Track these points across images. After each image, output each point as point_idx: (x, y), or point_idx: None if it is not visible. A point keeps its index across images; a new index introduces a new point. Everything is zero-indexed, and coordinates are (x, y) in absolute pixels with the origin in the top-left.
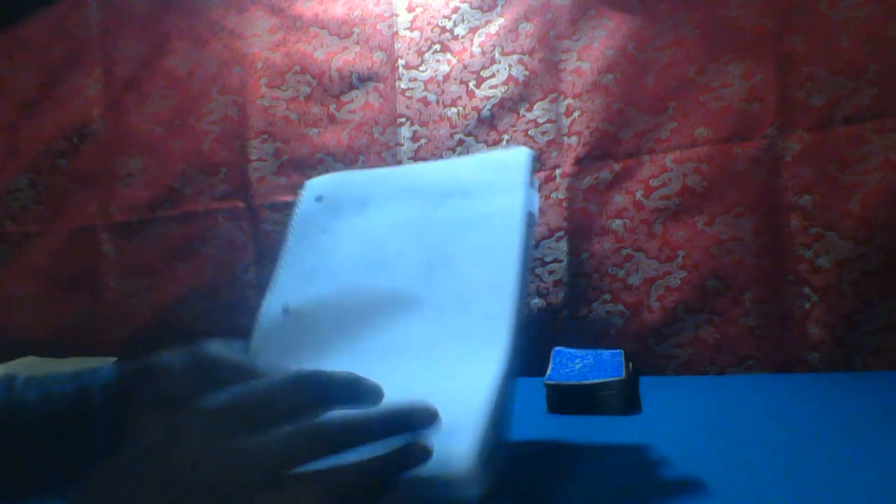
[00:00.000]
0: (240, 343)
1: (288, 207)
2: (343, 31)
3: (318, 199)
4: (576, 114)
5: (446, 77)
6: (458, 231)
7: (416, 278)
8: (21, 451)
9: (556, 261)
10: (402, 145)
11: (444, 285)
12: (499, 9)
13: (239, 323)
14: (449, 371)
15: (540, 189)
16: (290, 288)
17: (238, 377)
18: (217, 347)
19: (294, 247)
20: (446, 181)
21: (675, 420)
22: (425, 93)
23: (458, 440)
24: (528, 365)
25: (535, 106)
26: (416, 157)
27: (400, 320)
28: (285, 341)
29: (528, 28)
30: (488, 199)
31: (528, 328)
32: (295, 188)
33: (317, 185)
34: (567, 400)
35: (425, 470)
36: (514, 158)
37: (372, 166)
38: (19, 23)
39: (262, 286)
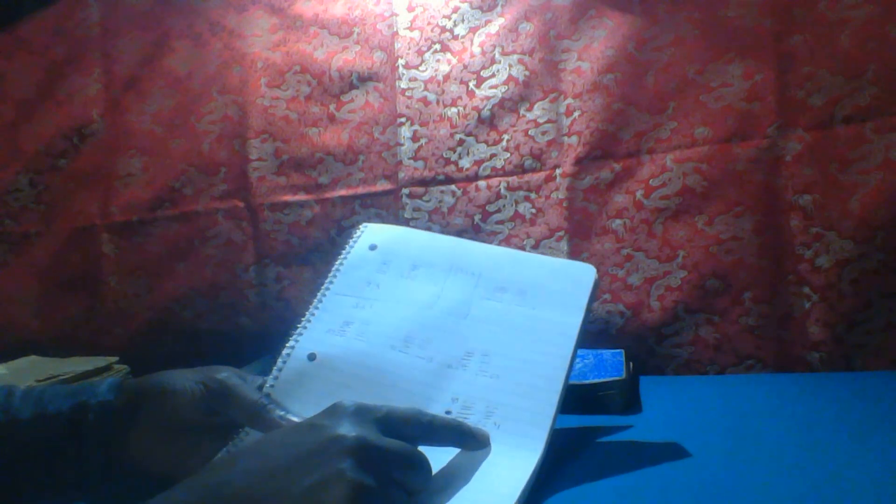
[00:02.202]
0: (253, 376)
1: (288, 207)
2: (343, 30)
3: (372, 247)
4: (576, 114)
5: (446, 77)
6: (503, 331)
7: (449, 365)
8: (14, 470)
9: None
10: (402, 145)
11: (475, 383)
12: (499, 9)
13: (239, 322)
14: (466, 482)
15: (540, 189)
16: (321, 333)
17: (247, 416)
18: (230, 378)
19: (336, 290)
20: (504, 273)
21: (675, 420)
22: (425, 92)
23: None
24: None
25: (536, 106)
26: (417, 157)
27: (422, 405)
28: (305, 389)
29: (528, 28)
30: (543, 310)
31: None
32: (295, 188)
33: (373, 232)
34: (567, 400)
35: None
36: (579, 276)
37: (372, 166)
38: (19, 23)
39: (262, 286)
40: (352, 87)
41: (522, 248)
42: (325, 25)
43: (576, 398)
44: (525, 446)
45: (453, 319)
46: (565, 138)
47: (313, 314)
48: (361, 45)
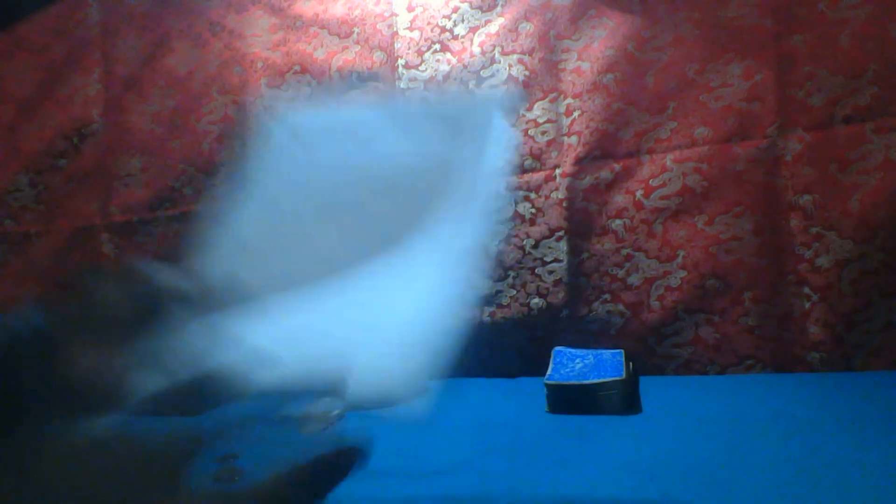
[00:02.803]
0: (176, 266)
1: None
2: (343, 30)
3: (280, 122)
4: (576, 113)
5: (446, 77)
6: (423, 174)
7: (375, 206)
8: None
9: (556, 261)
10: None
11: (396, 221)
12: (499, 9)
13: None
14: (383, 307)
15: (540, 189)
16: (244, 205)
17: (174, 298)
18: (149, 267)
19: (255, 163)
20: (422, 116)
21: (675, 420)
22: (425, 92)
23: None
24: (528, 365)
25: (536, 106)
26: None
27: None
28: (228, 259)
29: (528, 28)
30: (463, 146)
31: (527, 328)
32: None
33: (290, 112)
34: (567, 400)
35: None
36: (494, 104)
37: None
38: (19, 23)
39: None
40: (352, 87)
41: (523, 249)
42: (325, 25)
43: (576, 398)
44: (441, 270)
45: (373, 168)
46: (565, 138)
47: (236, 187)
48: (361, 45)
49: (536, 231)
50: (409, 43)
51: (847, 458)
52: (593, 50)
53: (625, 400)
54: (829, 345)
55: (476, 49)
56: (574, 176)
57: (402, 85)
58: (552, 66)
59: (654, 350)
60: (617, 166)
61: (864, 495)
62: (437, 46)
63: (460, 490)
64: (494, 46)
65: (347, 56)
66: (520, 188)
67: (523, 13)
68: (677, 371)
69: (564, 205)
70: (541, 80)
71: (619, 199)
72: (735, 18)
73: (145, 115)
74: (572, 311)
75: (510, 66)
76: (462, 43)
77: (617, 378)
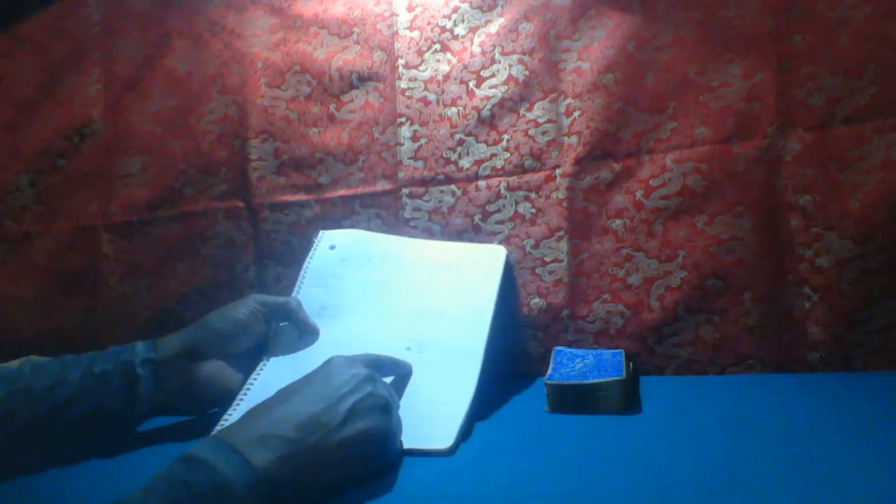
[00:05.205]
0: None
1: (288, 207)
2: (343, 30)
3: (332, 247)
4: (576, 113)
5: (446, 77)
6: (443, 298)
7: (406, 321)
8: (68, 421)
9: (556, 261)
10: (402, 145)
11: (425, 331)
12: (499, 8)
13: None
14: (433, 385)
15: (540, 189)
16: None
17: (288, 315)
18: (262, 296)
19: (308, 283)
20: (436, 258)
21: (675, 420)
22: (425, 92)
23: (444, 430)
24: (528, 365)
25: (536, 106)
26: (417, 157)
27: (390, 346)
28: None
29: (528, 28)
30: (467, 277)
31: (526, 328)
32: (295, 188)
33: (330, 235)
34: (567, 400)
35: (421, 443)
36: (493, 255)
37: (372, 166)
38: (19, 23)
39: (262, 286)
40: (352, 87)
41: (523, 249)
42: (325, 25)
43: (576, 398)
44: (465, 369)
45: (405, 295)
46: (565, 138)
47: None
48: (361, 45)
49: (536, 231)
50: (409, 43)
51: (847, 458)
52: (593, 50)
53: (625, 400)
54: (829, 345)
55: (476, 49)
56: (574, 176)
57: (402, 85)
58: (552, 66)
59: (654, 350)
60: (617, 166)
61: (864, 495)
62: (437, 46)
63: (459, 490)
64: (494, 46)
65: (347, 56)
66: (520, 188)
67: (523, 13)
68: (677, 371)
69: (564, 205)
70: (541, 80)
71: (619, 199)
72: (735, 18)
73: (145, 115)
74: (572, 311)
75: (510, 66)
76: (462, 43)
77: (617, 378)
